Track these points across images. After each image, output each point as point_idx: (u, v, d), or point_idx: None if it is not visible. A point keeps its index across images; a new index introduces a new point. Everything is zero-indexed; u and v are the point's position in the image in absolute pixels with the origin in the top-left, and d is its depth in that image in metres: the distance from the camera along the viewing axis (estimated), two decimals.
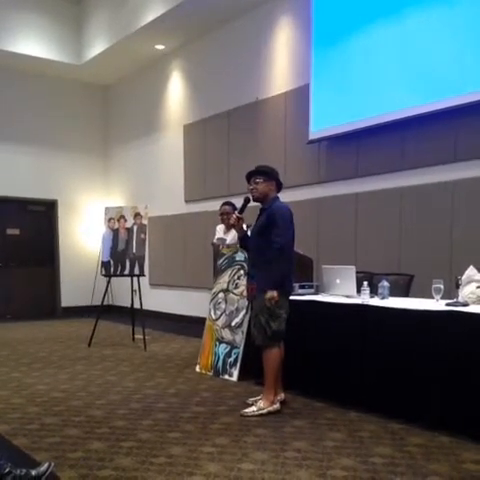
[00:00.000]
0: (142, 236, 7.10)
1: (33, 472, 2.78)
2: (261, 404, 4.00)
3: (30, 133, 10.19)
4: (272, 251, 3.94)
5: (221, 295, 5.49)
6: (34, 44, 9.44)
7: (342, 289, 4.52)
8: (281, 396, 4.21)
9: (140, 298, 6.90)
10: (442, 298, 3.87)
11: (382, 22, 5.86)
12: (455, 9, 5.25)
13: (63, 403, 4.33)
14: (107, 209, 7.39)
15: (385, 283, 4.24)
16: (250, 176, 4.17)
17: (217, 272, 5.66)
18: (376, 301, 4.16)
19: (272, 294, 3.91)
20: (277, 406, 4.03)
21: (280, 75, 7.41)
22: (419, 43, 5.52)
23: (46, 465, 2.87)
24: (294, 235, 4.10)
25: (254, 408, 3.98)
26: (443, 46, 5.32)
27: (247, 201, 4.18)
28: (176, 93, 9.37)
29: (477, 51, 5.07)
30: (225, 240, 5.94)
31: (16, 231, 10.28)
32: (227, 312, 5.36)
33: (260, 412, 3.94)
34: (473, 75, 5.10)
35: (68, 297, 10.58)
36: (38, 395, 4.57)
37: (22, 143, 10.11)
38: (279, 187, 4.20)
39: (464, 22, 5.17)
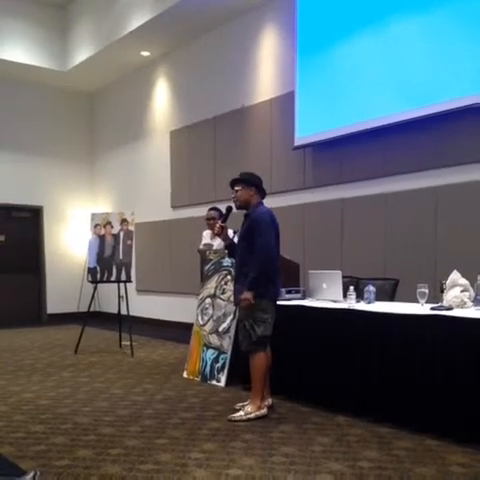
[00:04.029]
0: (128, 242, 7.08)
1: None
2: (248, 409, 4.00)
3: (15, 140, 10.13)
4: (254, 255, 3.96)
5: (208, 300, 5.49)
6: (19, 51, 9.40)
7: (328, 294, 4.54)
8: (269, 401, 4.21)
9: (127, 304, 6.87)
10: (427, 302, 3.90)
11: (365, 31, 5.94)
12: (436, 18, 5.33)
13: (49, 411, 4.29)
14: (93, 215, 7.36)
15: (371, 288, 4.28)
16: (232, 184, 4.20)
17: (204, 277, 5.66)
18: (362, 306, 4.19)
19: (246, 296, 3.93)
20: (264, 411, 4.03)
21: (265, 82, 7.45)
22: (401, 51, 5.60)
23: (32, 474, 2.84)
24: (278, 238, 4.12)
25: (241, 413, 3.98)
26: (425, 54, 5.40)
27: (230, 210, 4.22)
28: (162, 100, 9.38)
29: (458, 59, 5.15)
30: (212, 246, 5.95)
31: (1, 238, 10.20)
32: (214, 317, 5.36)
33: (247, 417, 3.94)
34: (454, 82, 5.19)
35: (54, 304, 10.51)
36: (24, 403, 4.53)
37: (7, 149, 10.05)
38: (262, 192, 4.20)
39: (445, 31, 5.25)
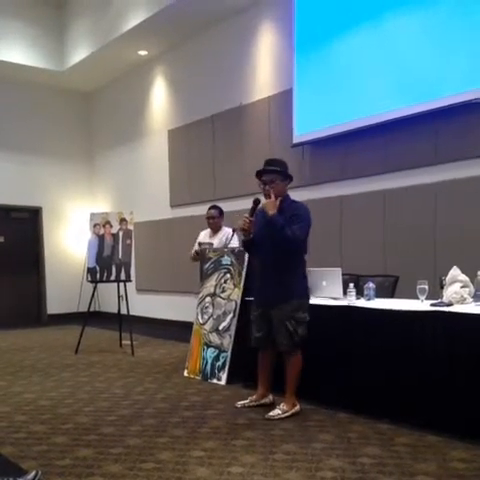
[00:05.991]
0: (128, 242, 7.08)
1: None
2: (285, 407, 4.00)
3: (13, 140, 10.12)
4: (298, 254, 3.99)
5: (208, 299, 5.49)
6: (16, 50, 9.37)
7: (328, 291, 4.54)
8: (270, 398, 4.23)
9: (127, 304, 6.87)
10: (427, 298, 3.91)
11: (363, 26, 5.93)
12: (435, 13, 5.32)
13: (50, 411, 4.29)
14: (92, 215, 7.36)
15: (371, 285, 4.27)
16: (262, 173, 4.00)
17: (204, 276, 5.66)
18: (362, 302, 4.19)
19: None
20: (298, 408, 4.04)
21: (263, 80, 7.44)
22: (400, 47, 5.60)
23: (33, 473, 2.85)
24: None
25: (279, 411, 3.98)
26: (423, 50, 5.40)
27: (257, 203, 4.01)
28: (160, 99, 9.37)
29: (456, 54, 5.15)
30: (212, 244, 5.95)
31: (0, 239, 10.19)
32: (214, 316, 5.36)
33: (285, 415, 3.96)
34: (453, 78, 5.19)
35: (54, 304, 10.51)
36: (25, 403, 4.53)
37: (5, 150, 10.03)
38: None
39: (443, 26, 5.25)
